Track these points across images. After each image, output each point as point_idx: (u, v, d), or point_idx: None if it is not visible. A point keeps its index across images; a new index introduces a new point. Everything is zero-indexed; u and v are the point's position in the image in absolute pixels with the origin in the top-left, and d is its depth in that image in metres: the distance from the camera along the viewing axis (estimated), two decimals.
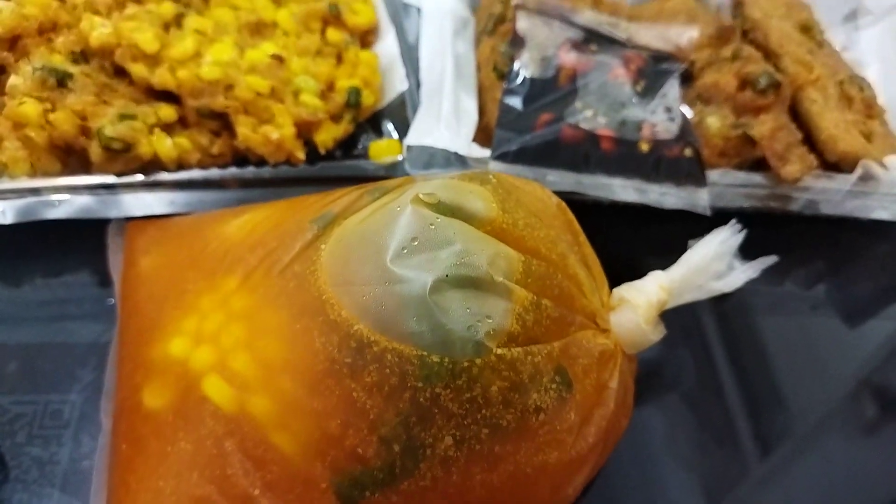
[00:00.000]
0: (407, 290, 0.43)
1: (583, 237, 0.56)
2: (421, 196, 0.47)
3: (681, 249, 0.56)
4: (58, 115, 0.63)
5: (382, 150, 0.71)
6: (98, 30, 0.66)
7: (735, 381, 0.66)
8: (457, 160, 0.66)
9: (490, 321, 0.43)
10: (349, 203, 0.52)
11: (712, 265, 0.56)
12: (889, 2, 0.85)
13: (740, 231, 0.59)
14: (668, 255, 0.61)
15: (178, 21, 0.70)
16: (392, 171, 0.69)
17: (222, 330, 0.48)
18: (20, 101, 0.63)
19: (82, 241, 0.65)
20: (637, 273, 0.67)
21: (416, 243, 0.45)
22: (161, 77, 0.65)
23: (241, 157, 0.69)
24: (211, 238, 0.56)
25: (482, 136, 0.72)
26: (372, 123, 0.74)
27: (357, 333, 0.43)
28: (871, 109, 0.75)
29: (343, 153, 0.72)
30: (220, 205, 0.65)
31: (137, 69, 0.66)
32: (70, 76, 0.65)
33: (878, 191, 0.68)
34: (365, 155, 0.71)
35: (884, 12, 0.86)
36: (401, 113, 0.74)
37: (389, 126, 0.74)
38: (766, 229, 0.65)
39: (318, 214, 0.52)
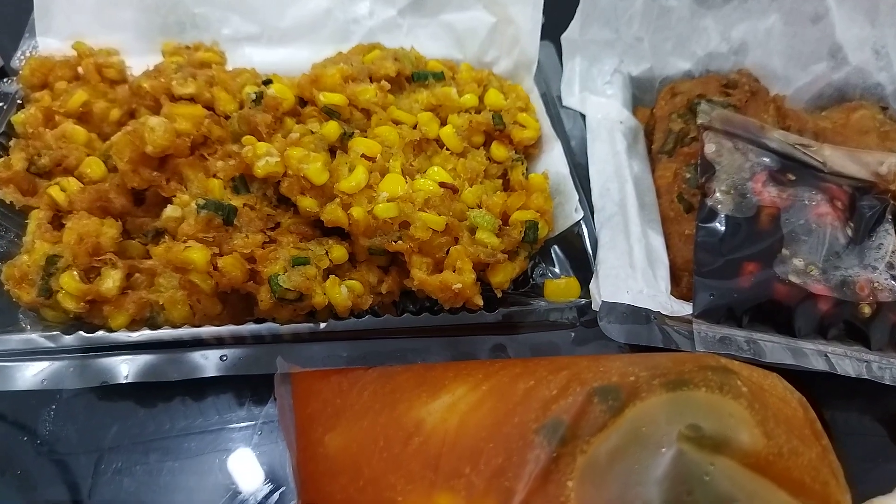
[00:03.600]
0: None
1: (826, 440, 0.49)
2: (684, 431, 0.42)
3: None
4: (226, 260, 0.58)
5: (560, 290, 0.65)
6: (264, 160, 0.60)
7: None
8: (655, 317, 0.59)
9: None
10: (578, 410, 0.46)
11: None
12: None
13: None
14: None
15: (342, 142, 0.65)
16: (573, 315, 0.63)
17: None
18: (185, 244, 0.58)
19: (245, 388, 0.60)
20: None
21: (690, 498, 0.39)
22: (333, 214, 0.60)
23: (408, 291, 0.64)
24: (409, 426, 0.50)
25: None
26: (541, 251, 0.68)
27: None
28: None
29: (514, 288, 0.66)
30: (393, 356, 0.59)
31: (307, 203, 0.61)
32: (235, 212, 0.60)
33: None
34: (538, 292, 0.65)
35: None
36: (572, 239, 0.68)
37: (560, 253, 0.68)
38: None
39: (543, 421, 0.46)
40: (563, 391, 0.48)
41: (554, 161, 0.72)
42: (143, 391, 0.61)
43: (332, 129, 0.65)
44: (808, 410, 0.50)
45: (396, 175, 0.63)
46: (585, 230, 0.67)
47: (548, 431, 0.45)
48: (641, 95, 0.81)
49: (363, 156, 0.64)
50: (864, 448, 0.61)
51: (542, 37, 0.81)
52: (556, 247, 0.68)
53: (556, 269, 0.67)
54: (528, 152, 0.74)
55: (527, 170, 0.71)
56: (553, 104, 0.78)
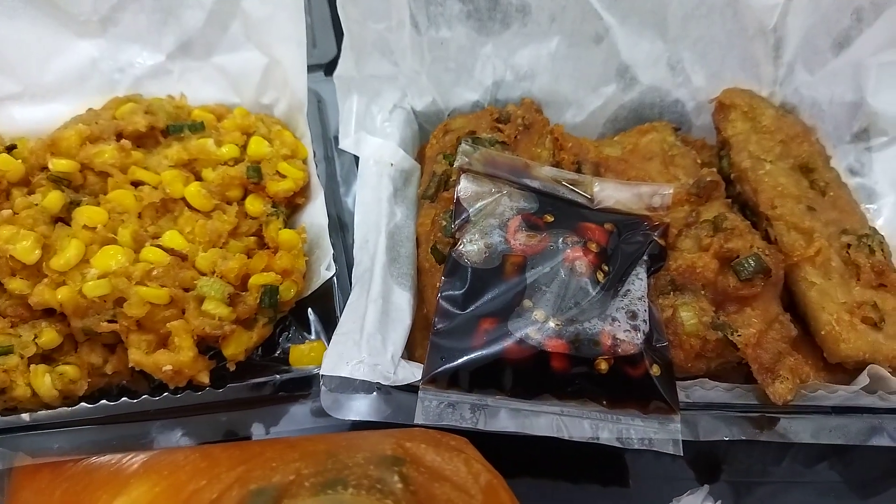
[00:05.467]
0: None
1: None
2: None
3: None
4: None
5: (304, 356, 0.61)
6: None
7: None
8: (380, 388, 0.56)
9: None
10: None
11: None
12: None
13: (715, 502, 0.49)
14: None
15: (69, 211, 0.61)
16: (311, 385, 0.59)
17: None
18: None
19: None
20: None
21: None
22: (40, 296, 0.57)
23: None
24: None
25: (422, 333, 0.62)
26: (295, 312, 0.65)
27: None
28: (882, 277, 0.63)
29: (262, 354, 0.63)
30: (107, 445, 0.56)
31: (16, 285, 0.57)
32: None
33: (889, 403, 0.57)
34: (285, 358, 0.62)
35: None
36: (326, 300, 0.64)
37: (314, 315, 0.65)
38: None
39: None
40: (222, 495, 0.45)
41: (316, 212, 0.68)
42: None
43: (55, 199, 0.61)
44: (494, 495, 0.47)
45: (114, 247, 0.59)
46: (337, 289, 0.64)
47: None
48: (432, 129, 0.76)
49: (85, 227, 0.60)
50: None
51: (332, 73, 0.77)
52: (311, 308, 0.65)
53: (312, 333, 0.64)
54: (295, 203, 0.70)
55: (286, 223, 0.68)
56: (332, 148, 0.74)
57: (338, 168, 0.73)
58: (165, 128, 0.69)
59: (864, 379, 0.57)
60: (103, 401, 0.58)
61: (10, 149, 0.67)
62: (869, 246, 0.64)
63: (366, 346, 0.56)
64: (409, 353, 0.63)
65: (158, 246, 0.61)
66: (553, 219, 0.63)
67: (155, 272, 0.58)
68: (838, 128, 0.76)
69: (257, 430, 0.58)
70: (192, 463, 0.50)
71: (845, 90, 0.75)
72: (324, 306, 0.64)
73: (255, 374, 0.61)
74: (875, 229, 0.67)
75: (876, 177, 0.74)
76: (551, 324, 0.56)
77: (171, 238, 0.61)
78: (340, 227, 0.68)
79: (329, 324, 0.63)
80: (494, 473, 0.48)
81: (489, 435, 0.54)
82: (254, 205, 0.67)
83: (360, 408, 0.56)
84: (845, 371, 0.61)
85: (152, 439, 0.57)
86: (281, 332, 0.64)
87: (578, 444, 0.55)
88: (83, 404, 0.57)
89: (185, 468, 0.49)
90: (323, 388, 0.56)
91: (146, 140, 0.69)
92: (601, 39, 0.73)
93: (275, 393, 0.59)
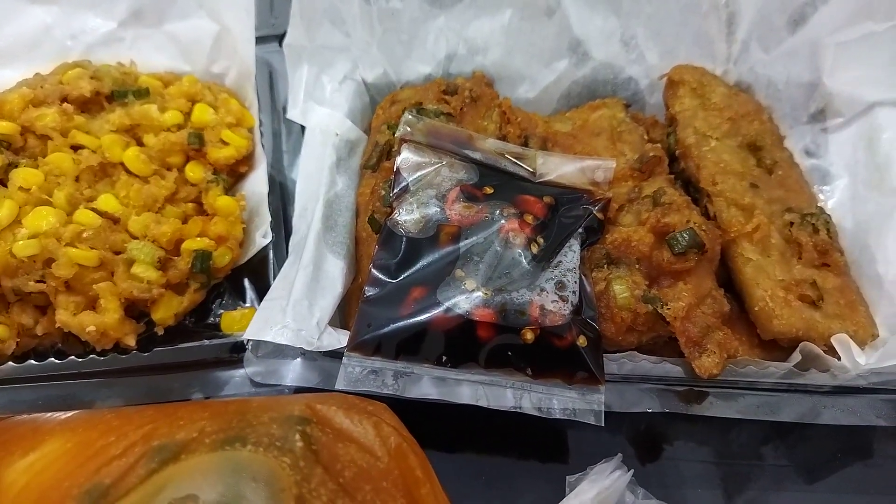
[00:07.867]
0: None
1: (426, 488, 0.46)
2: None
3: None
4: None
5: (235, 322, 0.61)
6: None
7: None
8: (305, 354, 0.56)
9: None
10: (123, 472, 0.43)
11: None
12: (862, 103, 0.72)
13: (627, 471, 0.49)
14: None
15: (6, 173, 0.61)
16: (242, 351, 0.59)
17: None
18: None
19: None
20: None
21: None
22: None
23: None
24: None
25: (357, 303, 0.62)
26: (232, 280, 0.65)
27: None
28: (825, 256, 0.62)
29: (195, 321, 0.63)
30: (39, 403, 0.56)
31: None
32: None
33: (816, 382, 0.56)
34: (218, 325, 0.62)
35: (855, 115, 0.72)
36: (263, 269, 0.64)
37: (249, 283, 0.64)
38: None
39: (88, 485, 0.43)
40: (127, 450, 0.45)
41: (258, 181, 0.68)
42: None
43: None
44: (404, 458, 0.47)
45: (46, 208, 0.59)
46: (272, 258, 0.63)
47: (84, 498, 0.42)
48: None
49: (21, 188, 0.60)
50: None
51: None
52: (246, 277, 0.64)
53: (246, 301, 0.64)
54: (238, 171, 0.70)
55: (228, 191, 0.68)
56: (280, 119, 0.73)
57: (285, 139, 0.73)
58: (110, 93, 0.69)
59: (796, 356, 0.56)
60: (30, 360, 0.58)
61: None
62: (813, 224, 0.63)
63: (291, 312, 0.56)
64: (344, 322, 0.63)
65: (92, 209, 0.61)
66: (493, 191, 0.62)
67: (85, 234, 0.58)
68: (795, 108, 0.75)
69: (184, 395, 0.57)
70: (105, 422, 0.50)
71: (802, 70, 0.73)
72: (260, 275, 0.64)
73: (186, 339, 0.60)
74: (822, 209, 0.66)
75: (831, 158, 0.73)
76: (480, 293, 0.56)
77: (105, 201, 0.61)
78: (284, 197, 0.68)
79: (264, 292, 0.62)
80: (406, 437, 0.48)
81: (418, 406, 0.54)
82: (194, 171, 0.67)
83: (284, 374, 0.56)
84: (782, 350, 0.60)
85: (78, 400, 0.57)
86: (215, 299, 0.64)
87: (505, 416, 0.54)
88: (10, 364, 0.57)
89: (98, 426, 0.49)
90: (248, 353, 0.56)
91: (91, 105, 0.69)
92: (553, 12, 0.72)
93: (206, 358, 0.59)
